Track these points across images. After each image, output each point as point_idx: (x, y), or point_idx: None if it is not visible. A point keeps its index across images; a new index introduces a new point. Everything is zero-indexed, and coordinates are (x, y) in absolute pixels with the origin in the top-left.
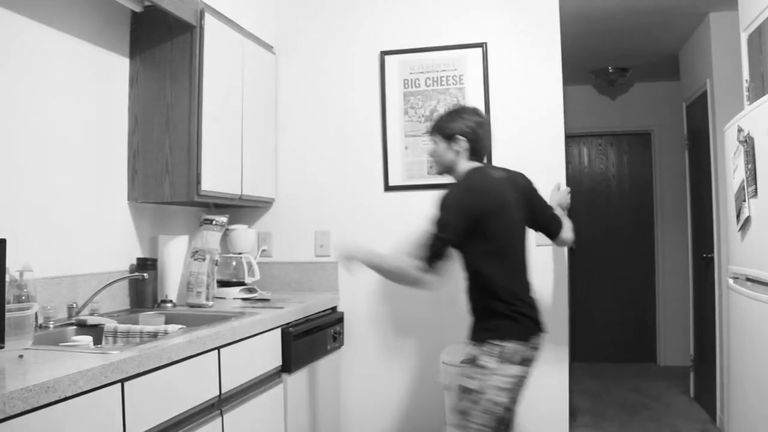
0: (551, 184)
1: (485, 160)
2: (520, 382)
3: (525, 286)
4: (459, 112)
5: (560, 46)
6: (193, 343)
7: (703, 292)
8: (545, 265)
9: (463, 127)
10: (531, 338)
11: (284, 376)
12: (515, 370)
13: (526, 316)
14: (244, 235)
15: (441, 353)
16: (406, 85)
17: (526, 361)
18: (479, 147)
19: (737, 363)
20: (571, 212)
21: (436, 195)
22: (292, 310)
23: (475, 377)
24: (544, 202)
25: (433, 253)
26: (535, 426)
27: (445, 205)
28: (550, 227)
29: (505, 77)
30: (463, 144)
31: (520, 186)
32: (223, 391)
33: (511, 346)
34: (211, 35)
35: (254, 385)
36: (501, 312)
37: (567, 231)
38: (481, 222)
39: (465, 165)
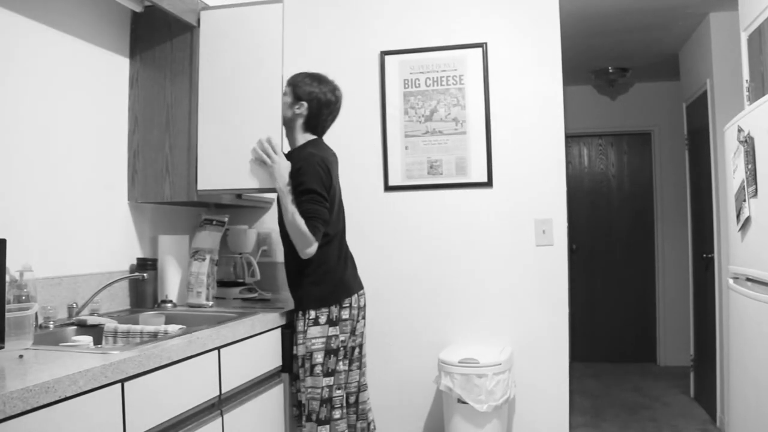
0: (552, 184)
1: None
2: None
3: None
4: (320, 80)
5: (560, 46)
6: (193, 344)
7: (703, 292)
8: (545, 265)
9: (312, 95)
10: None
11: (284, 376)
12: None
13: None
14: (244, 235)
15: (439, 353)
16: (406, 85)
17: None
18: (316, 122)
19: (737, 363)
20: (572, 212)
21: (436, 195)
22: (292, 310)
23: None
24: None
25: (319, 220)
26: (535, 426)
27: (308, 173)
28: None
29: (505, 77)
30: (303, 110)
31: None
32: (223, 391)
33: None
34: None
35: (254, 385)
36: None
37: None
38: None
39: (301, 135)
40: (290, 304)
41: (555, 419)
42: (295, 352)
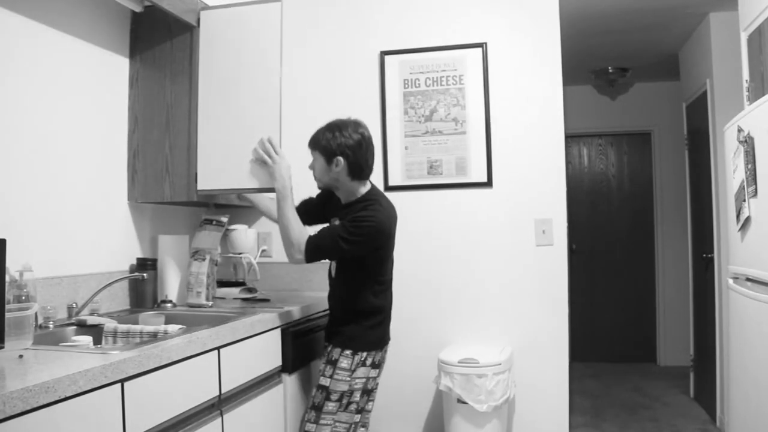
0: (552, 184)
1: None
2: None
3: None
4: (339, 127)
5: (560, 46)
6: (193, 344)
7: (703, 292)
8: (545, 266)
9: (342, 147)
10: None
11: (284, 376)
12: None
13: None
14: (244, 235)
15: (439, 353)
16: (406, 85)
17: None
18: (361, 168)
19: (737, 363)
20: (572, 212)
21: (436, 195)
22: (292, 310)
23: None
24: None
25: (323, 254)
26: (535, 426)
27: (366, 230)
28: None
29: (505, 77)
30: (342, 165)
31: None
32: (223, 391)
33: None
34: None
35: (254, 385)
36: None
37: None
38: (374, 256)
39: (359, 186)
40: (290, 304)
41: (555, 419)
42: (327, 384)
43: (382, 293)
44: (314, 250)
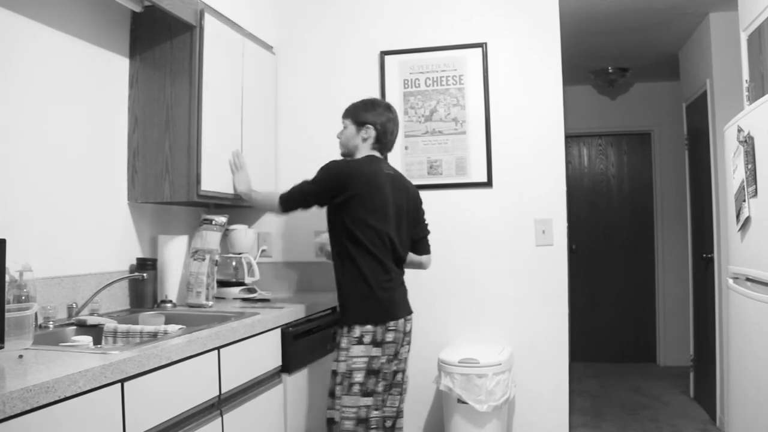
0: (552, 184)
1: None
2: None
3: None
4: (374, 104)
5: (560, 46)
6: (193, 344)
7: (703, 292)
8: (545, 266)
9: (375, 119)
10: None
11: (284, 376)
12: None
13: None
14: (243, 235)
15: (439, 353)
16: (406, 85)
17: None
18: (386, 141)
19: (737, 363)
20: (572, 212)
21: (436, 195)
22: (292, 310)
23: None
24: (424, 219)
25: (292, 197)
26: (535, 426)
27: (325, 169)
28: (418, 243)
29: (505, 77)
30: (371, 132)
31: (405, 189)
32: (223, 392)
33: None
34: (210, 35)
35: (254, 385)
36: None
37: (428, 259)
38: (345, 199)
39: (364, 151)
40: (290, 304)
41: (555, 419)
42: (335, 367)
43: (369, 262)
44: (286, 197)
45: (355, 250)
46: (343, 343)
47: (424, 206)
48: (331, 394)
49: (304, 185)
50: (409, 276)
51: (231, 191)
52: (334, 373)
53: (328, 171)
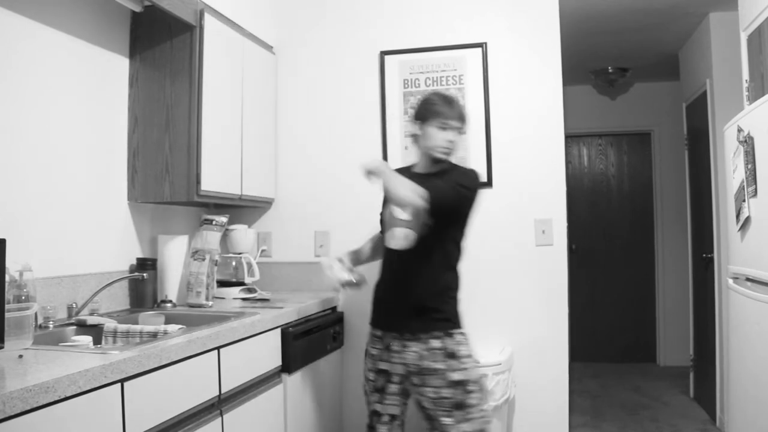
0: (552, 184)
1: None
2: None
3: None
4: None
5: (560, 46)
6: (193, 343)
7: (703, 292)
8: (545, 265)
9: None
10: None
11: (284, 376)
12: None
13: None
14: (243, 235)
15: None
16: (406, 85)
17: None
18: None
19: (737, 363)
20: (572, 212)
21: None
22: (292, 310)
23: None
24: None
25: (444, 199)
26: (535, 426)
27: (475, 177)
28: None
29: (504, 77)
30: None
31: None
32: (222, 391)
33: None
34: (210, 35)
35: (254, 385)
36: (457, 297)
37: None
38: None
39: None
40: (290, 304)
41: (555, 419)
42: (461, 378)
43: (459, 273)
44: (436, 195)
45: (457, 260)
46: (464, 350)
47: None
48: (460, 406)
49: (459, 189)
50: None
51: (230, 191)
52: (462, 383)
53: (479, 180)
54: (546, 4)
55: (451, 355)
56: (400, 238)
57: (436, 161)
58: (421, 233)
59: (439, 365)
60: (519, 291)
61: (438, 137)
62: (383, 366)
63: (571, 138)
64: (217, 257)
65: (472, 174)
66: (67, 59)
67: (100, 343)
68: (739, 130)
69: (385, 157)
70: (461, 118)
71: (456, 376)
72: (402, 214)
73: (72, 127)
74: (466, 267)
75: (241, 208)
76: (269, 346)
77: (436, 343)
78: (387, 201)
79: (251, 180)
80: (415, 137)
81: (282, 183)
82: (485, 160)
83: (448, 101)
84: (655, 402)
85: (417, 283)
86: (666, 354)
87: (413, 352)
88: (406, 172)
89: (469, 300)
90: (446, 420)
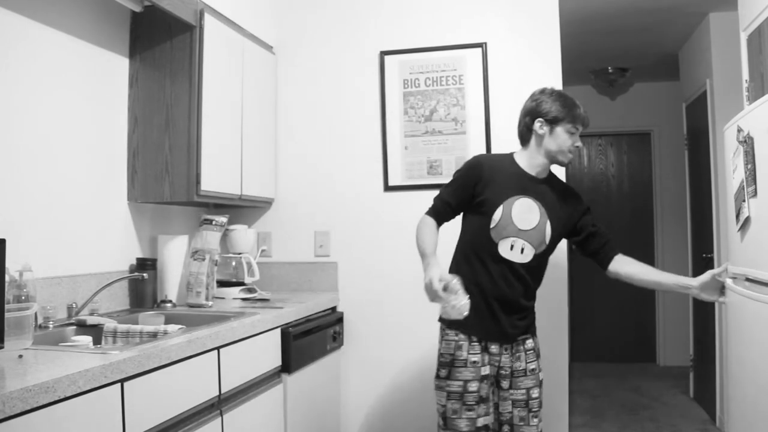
0: None
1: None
2: None
3: None
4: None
5: (560, 46)
6: (193, 343)
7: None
8: None
9: None
10: None
11: (284, 376)
12: None
13: None
14: (243, 235)
15: None
16: (406, 85)
17: None
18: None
19: (736, 363)
20: None
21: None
22: (292, 310)
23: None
24: None
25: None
26: None
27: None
28: None
29: (504, 77)
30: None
31: None
32: (222, 391)
33: None
34: (210, 35)
35: (254, 385)
36: None
37: None
38: None
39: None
40: (290, 304)
41: (555, 419)
42: (542, 377)
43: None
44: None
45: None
46: (540, 352)
47: (425, 207)
48: (542, 405)
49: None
50: (409, 275)
51: (230, 191)
52: (542, 382)
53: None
54: (546, 4)
55: (539, 355)
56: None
57: (549, 165)
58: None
59: (533, 365)
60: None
61: (568, 142)
62: (486, 371)
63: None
64: (217, 257)
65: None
66: (67, 59)
67: (100, 343)
68: (739, 130)
69: (384, 157)
70: (586, 124)
71: (542, 375)
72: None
73: (72, 127)
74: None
75: (241, 208)
76: (269, 346)
77: (530, 344)
78: (491, 211)
79: (251, 180)
80: (534, 134)
81: (282, 183)
82: None
83: (578, 104)
84: (655, 402)
85: (527, 290)
86: (666, 354)
87: (510, 353)
88: (511, 164)
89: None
90: (534, 421)
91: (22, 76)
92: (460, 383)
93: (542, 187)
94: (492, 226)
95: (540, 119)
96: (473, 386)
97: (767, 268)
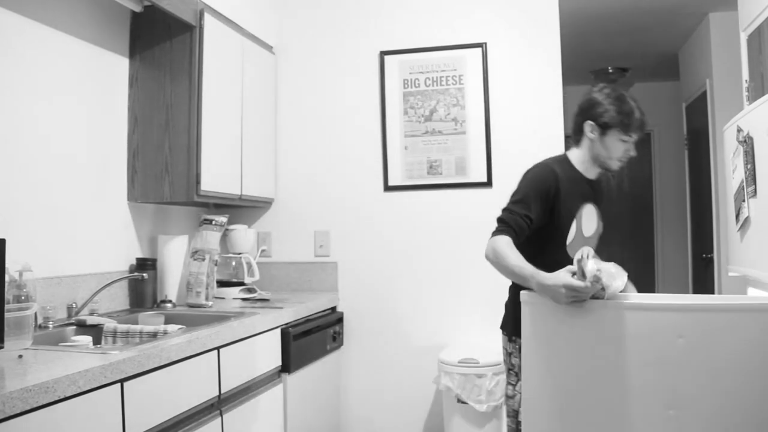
0: None
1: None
2: None
3: None
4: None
5: (560, 46)
6: (193, 343)
7: (702, 292)
8: None
9: None
10: None
11: (284, 376)
12: None
13: None
14: (243, 235)
15: (439, 353)
16: (406, 85)
17: None
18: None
19: None
20: None
21: (436, 195)
22: (292, 310)
23: None
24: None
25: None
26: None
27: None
28: None
29: (504, 77)
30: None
31: None
32: (222, 391)
33: None
34: (210, 35)
35: (254, 385)
36: None
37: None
38: None
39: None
40: (290, 304)
41: None
42: None
43: None
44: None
45: None
46: None
47: (424, 206)
48: None
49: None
50: (410, 275)
51: (230, 191)
52: None
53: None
54: (546, 4)
55: None
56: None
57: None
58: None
59: None
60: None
61: (620, 150)
62: None
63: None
64: (216, 257)
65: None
66: (66, 59)
67: (99, 343)
68: (739, 130)
69: (384, 157)
70: (643, 128)
71: None
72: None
73: (72, 127)
74: (466, 267)
75: (241, 208)
76: (269, 346)
77: None
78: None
79: (251, 180)
80: (584, 136)
81: (282, 183)
82: (485, 160)
83: (637, 107)
84: None
85: None
86: None
87: None
88: (570, 168)
89: (470, 300)
90: None
91: (21, 76)
92: (516, 387)
93: (596, 188)
94: (569, 241)
95: (591, 122)
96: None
97: (767, 269)
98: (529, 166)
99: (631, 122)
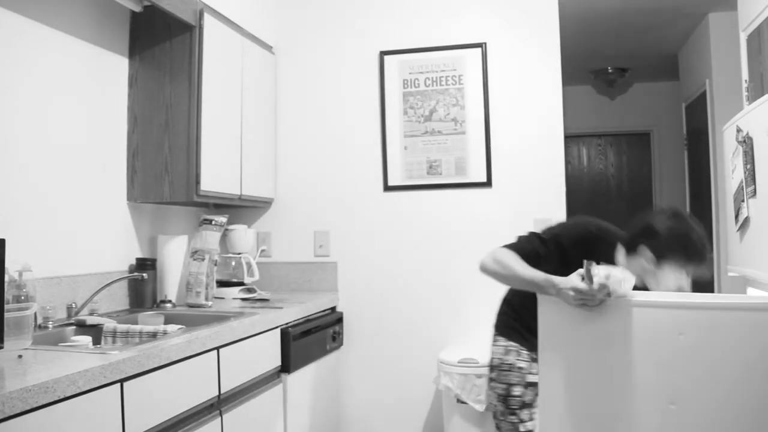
0: (551, 184)
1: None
2: None
3: None
4: None
5: (560, 46)
6: (193, 343)
7: (702, 292)
8: None
9: None
10: None
11: (284, 376)
12: None
13: None
14: (243, 235)
15: (439, 353)
16: (406, 85)
17: None
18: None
19: None
20: (571, 212)
21: (435, 195)
22: (292, 310)
23: None
24: None
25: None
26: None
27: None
28: None
29: (504, 77)
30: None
31: None
32: (222, 391)
33: None
34: (210, 35)
35: (254, 385)
36: None
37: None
38: None
39: None
40: (290, 304)
41: None
42: None
43: None
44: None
45: None
46: None
47: (424, 207)
48: None
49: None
50: (409, 276)
51: (230, 191)
52: None
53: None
54: (546, 4)
55: None
56: None
57: None
58: None
59: None
60: None
61: (671, 282)
62: (531, 378)
63: (570, 138)
64: (216, 257)
65: None
66: (66, 59)
67: (99, 344)
68: (738, 131)
69: (384, 157)
70: (700, 268)
71: None
72: None
73: (71, 127)
74: (465, 267)
75: (241, 208)
76: (269, 346)
77: None
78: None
79: (251, 180)
80: (637, 258)
81: (282, 183)
82: (485, 160)
83: (702, 245)
84: None
85: None
86: None
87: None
88: (609, 250)
89: (470, 300)
90: None
91: (21, 76)
92: (504, 386)
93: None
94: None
95: (651, 254)
96: (516, 391)
97: (766, 269)
98: (529, 165)
99: (691, 262)
